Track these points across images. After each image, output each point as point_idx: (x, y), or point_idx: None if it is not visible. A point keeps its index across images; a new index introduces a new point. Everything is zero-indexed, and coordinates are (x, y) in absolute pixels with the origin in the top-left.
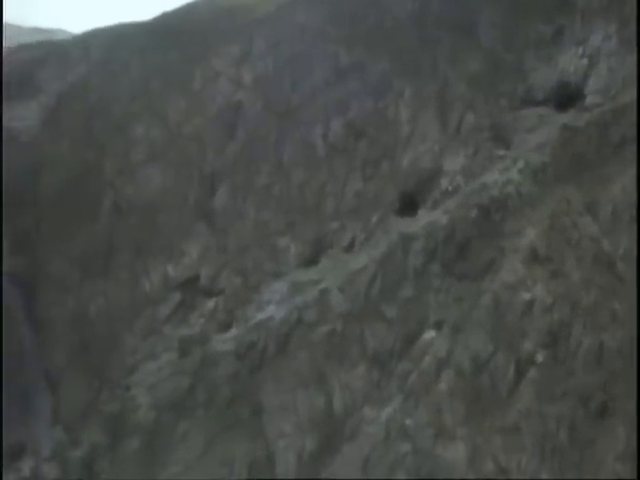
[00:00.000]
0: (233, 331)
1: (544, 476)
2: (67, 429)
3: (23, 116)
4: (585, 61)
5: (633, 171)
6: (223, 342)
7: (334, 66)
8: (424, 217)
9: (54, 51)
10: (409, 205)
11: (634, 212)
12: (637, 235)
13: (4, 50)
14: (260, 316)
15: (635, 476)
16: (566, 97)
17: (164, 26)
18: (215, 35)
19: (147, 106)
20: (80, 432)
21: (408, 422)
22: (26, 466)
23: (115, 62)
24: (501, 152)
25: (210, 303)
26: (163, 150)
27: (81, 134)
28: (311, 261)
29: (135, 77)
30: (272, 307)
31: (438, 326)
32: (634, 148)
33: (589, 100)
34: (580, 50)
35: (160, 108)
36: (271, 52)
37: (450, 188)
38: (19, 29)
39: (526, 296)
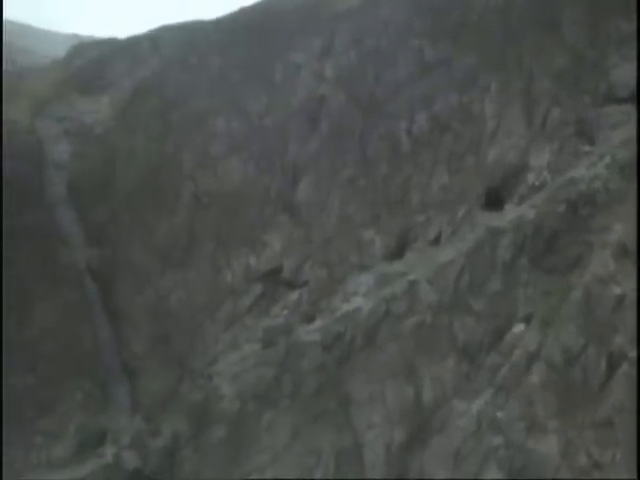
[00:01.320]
0: (318, 322)
1: None
2: (147, 419)
3: (95, 110)
4: None
5: None
6: (309, 333)
7: (419, 60)
8: (511, 212)
9: (124, 47)
10: (495, 200)
11: None
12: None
13: (76, 47)
14: (346, 307)
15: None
16: None
17: (243, 21)
18: (296, 29)
19: (227, 99)
20: (160, 421)
21: (499, 415)
22: (109, 452)
23: (193, 56)
24: (586, 148)
25: (294, 294)
26: (244, 142)
27: (158, 127)
28: (396, 254)
29: (214, 71)
30: (359, 299)
31: (527, 320)
32: None
33: None
34: None
35: (241, 101)
36: (354, 46)
37: (537, 183)
38: (54, 35)
39: (617, 290)
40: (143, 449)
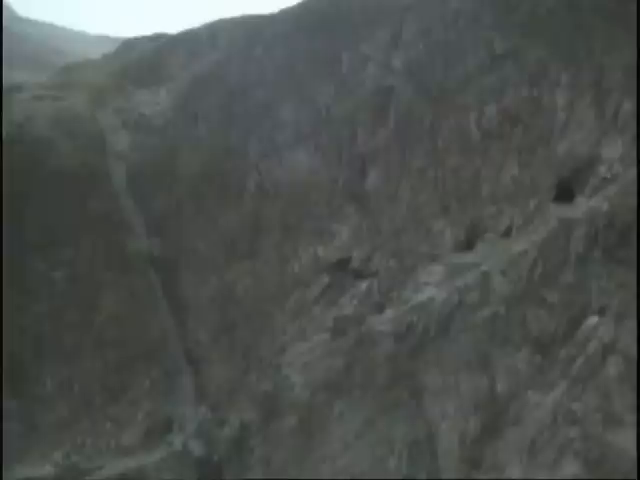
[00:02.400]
0: (389, 312)
1: None
2: (213, 408)
3: (153, 102)
4: None
5: None
6: (380, 323)
7: (489, 52)
8: (583, 204)
9: (180, 40)
10: (566, 192)
11: None
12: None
13: (126, 42)
14: (419, 298)
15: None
16: None
17: (309, 11)
18: (363, 20)
19: (294, 90)
20: (227, 411)
21: (575, 407)
22: (177, 440)
23: (257, 47)
24: None
25: (363, 285)
26: (311, 133)
27: (220, 117)
28: (466, 245)
29: (279, 61)
30: (431, 289)
31: (601, 312)
32: None
33: None
34: None
35: (307, 92)
36: (422, 37)
37: (609, 175)
38: (85, 36)
39: None
40: (209, 438)
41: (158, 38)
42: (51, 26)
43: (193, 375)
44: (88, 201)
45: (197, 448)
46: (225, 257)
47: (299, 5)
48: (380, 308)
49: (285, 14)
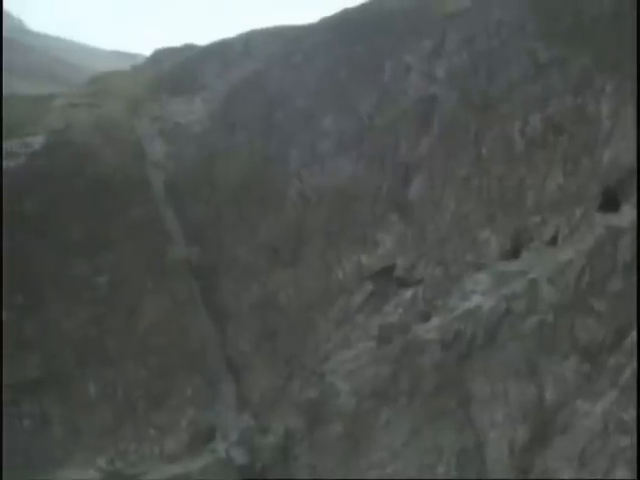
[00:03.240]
0: (435, 320)
1: None
2: (255, 416)
3: (188, 110)
4: None
5: None
6: (426, 331)
7: (533, 61)
8: (628, 212)
9: (215, 50)
10: (612, 200)
11: None
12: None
13: (156, 53)
14: (465, 306)
15: (635, 476)
16: None
17: (350, 21)
18: (405, 30)
19: (335, 98)
20: (270, 418)
21: (626, 416)
22: (221, 447)
23: (297, 55)
24: None
25: (407, 293)
26: (354, 141)
27: (260, 126)
28: (512, 253)
29: (320, 70)
30: (478, 297)
31: None
32: None
33: None
34: None
35: (349, 100)
36: (465, 47)
37: None
38: (99, 51)
39: None
40: (252, 446)
41: (187, 49)
42: (64, 41)
43: (234, 383)
44: (129, 208)
45: (240, 456)
46: (267, 265)
47: (339, 14)
48: (425, 316)
49: (325, 23)
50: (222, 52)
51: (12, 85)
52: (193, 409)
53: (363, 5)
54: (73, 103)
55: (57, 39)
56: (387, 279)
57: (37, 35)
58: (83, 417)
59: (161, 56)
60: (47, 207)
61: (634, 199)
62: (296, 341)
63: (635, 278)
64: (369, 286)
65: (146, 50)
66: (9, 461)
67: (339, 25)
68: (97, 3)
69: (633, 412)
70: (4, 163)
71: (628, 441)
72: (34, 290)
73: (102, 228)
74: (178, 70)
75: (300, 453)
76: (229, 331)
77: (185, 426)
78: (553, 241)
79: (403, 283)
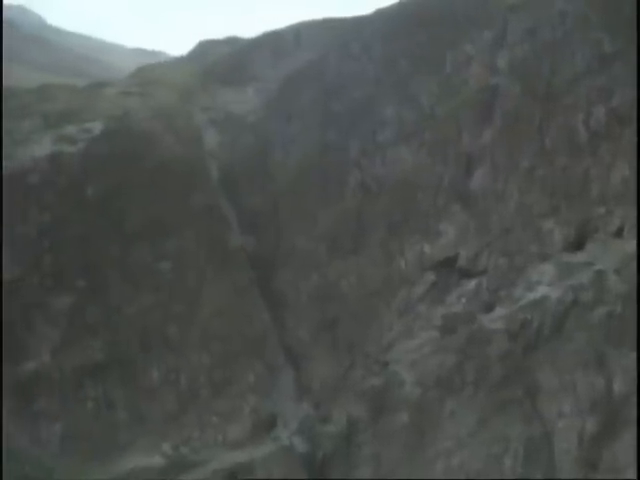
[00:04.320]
0: (500, 310)
1: None
2: (316, 404)
3: (239, 100)
4: None
5: None
6: (492, 321)
7: (597, 53)
8: None
9: (265, 40)
10: None
11: None
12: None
13: (200, 45)
14: (531, 296)
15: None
16: None
17: (409, 11)
18: (466, 20)
19: (395, 88)
20: (331, 407)
21: None
22: (284, 435)
23: (355, 46)
24: None
25: (471, 283)
26: (415, 131)
27: (317, 115)
28: (577, 245)
29: (379, 60)
30: (544, 287)
31: None
32: None
33: None
34: None
35: (410, 90)
36: (528, 38)
37: None
38: (121, 48)
39: None
40: (313, 434)
41: (230, 41)
42: (85, 37)
43: (293, 371)
44: (190, 195)
45: (300, 444)
46: (327, 254)
47: (397, 5)
48: (489, 306)
49: (382, 14)
50: (273, 43)
51: (35, 79)
52: (255, 396)
53: None
54: (125, 92)
55: (78, 36)
56: (449, 269)
57: (58, 31)
58: (147, 402)
59: (205, 48)
60: (109, 192)
61: None
62: (358, 330)
63: None
64: (431, 276)
65: (166, 48)
66: (73, 445)
67: (398, 16)
68: (115, 2)
69: None
70: (64, 147)
71: None
72: (96, 275)
73: (164, 214)
74: (227, 61)
75: (364, 442)
76: (287, 320)
77: (247, 413)
78: (619, 232)
79: (466, 273)
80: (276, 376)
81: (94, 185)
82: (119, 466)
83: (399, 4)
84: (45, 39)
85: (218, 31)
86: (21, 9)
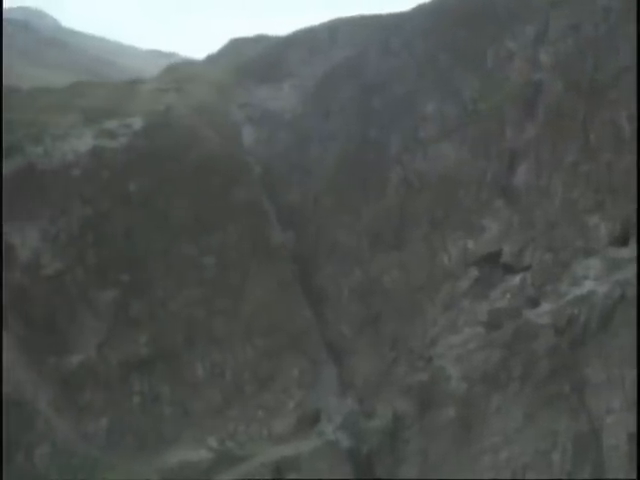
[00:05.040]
0: (546, 305)
1: None
2: (359, 399)
3: (275, 97)
4: None
5: None
6: (538, 316)
7: None
8: None
9: (300, 38)
10: None
11: None
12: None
13: (231, 43)
14: (577, 291)
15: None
16: None
17: (449, 7)
18: (508, 16)
19: (437, 83)
20: (375, 402)
21: None
22: (329, 430)
23: (395, 42)
24: None
25: (516, 278)
26: (457, 126)
27: (356, 111)
28: (622, 240)
29: (419, 56)
30: (590, 283)
31: None
32: None
33: None
34: None
35: (452, 85)
36: (571, 33)
37: None
38: (136, 50)
39: None
40: (357, 429)
41: (261, 39)
42: (99, 39)
43: (335, 367)
44: (233, 190)
45: (345, 439)
46: (369, 249)
47: (437, 1)
48: (535, 302)
49: (422, 10)
50: (308, 40)
51: (49, 79)
52: (299, 391)
53: None
54: (162, 89)
55: (93, 38)
56: (493, 265)
57: (73, 33)
58: (191, 397)
59: (236, 46)
60: (152, 187)
61: None
62: (401, 325)
63: None
64: (474, 271)
65: (177, 49)
66: (119, 439)
67: (439, 11)
68: (126, 4)
69: None
70: (106, 142)
71: None
72: (141, 269)
73: (207, 209)
74: (262, 58)
75: (410, 437)
76: (328, 315)
77: (292, 408)
78: None
79: (510, 269)
80: (319, 371)
81: (137, 180)
82: (165, 460)
83: (440, 1)
84: (61, 41)
85: (226, 33)
86: (37, 12)
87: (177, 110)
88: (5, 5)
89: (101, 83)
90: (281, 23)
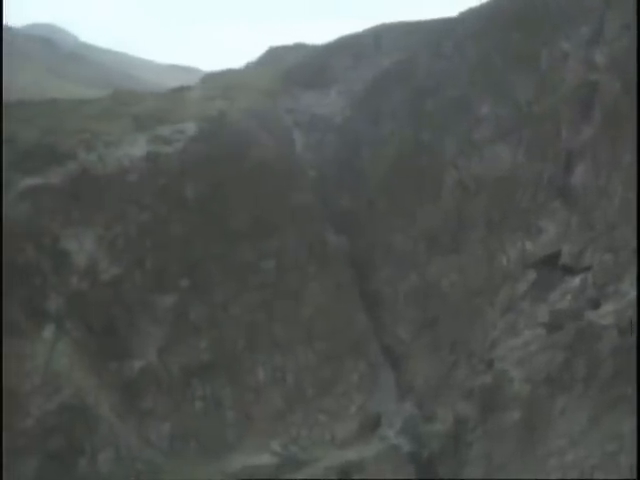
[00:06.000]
0: (608, 306)
1: None
2: (419, 404)
3: (322, 102)
4: None
5: None
6: (601, 317)
7: None
8: None
9: (344, 44)
10: None
11: None
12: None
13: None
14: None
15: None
16: None
17: (502, 10)
18: (561, 16)
19: (491, 86)
20: (435, 406)
21: None
22: (391, 434)
23: (446, 45)
24: None
25: (575, 279)
26: (513, 128)
27: (408, 114)
28: None
29: (472, 58)
30: None
31: None
32: None
33: None
34: None
35: (506, 88)
36: (627, 33)
37: None
38: (153, 64)
39: None
40: (418, 434)
41: (299, 47)
42: (117, 54)
43: (393, 371)
44: (290, 193)
45: (405, 443)
46: (426, 252)
47: (490, 3)
48: (596, 303)
49: (474, 13)
50: (353, 46)
51: (78, 92)
52: (360, 395)
53: None
54: (209, 95)
55: (110, 52)
56: (551, 266)
57: (90, 48)
58: (253, 401)
59: (276, 54)
60: (209, 192)
61: None
62: (460, 328)
63: None
64: (533, 273)
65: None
66: (182, 445)
67: (490, 14)
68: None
69: None
70: (160, 147)
71: None
72: (200, 274)
73: (265, 213)
74: (305, 65)
75: (474, 440)
76: (385, 319)
77: (354, 412)
78: None
79: (569, 270)
80: (377, 375)
81: (193, 184)
82: (229, 465)
83: (492, 2)
84: (81, 56)
85: (231, 43)
86: (54, 28)
87: (230, 115)
88: (22, 22)
89: (143, 92)
90: (281, 31)
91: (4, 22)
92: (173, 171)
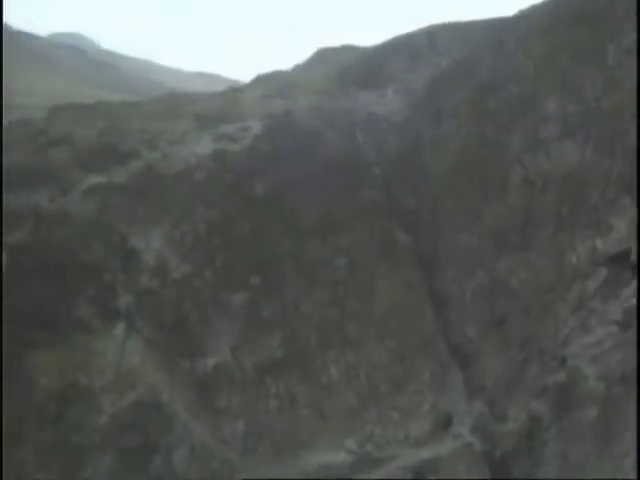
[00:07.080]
0: None
1: None
2: (490, 402)
3: (379, 102)
4: None
5: None
6: None
7: None
8: None
9: (400, 44)
10: None
11: None
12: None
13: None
14: None
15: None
16: None
17: (566, 5)
18: (625, 12)
19: (557, 82)
20: (507, 405)
21: None
22: (465, 433)
23: (509, 42)
24: None
25: None
26: (580, 125)
27: (471, 113)
28: None
29: (536, 55)
30: None
31: None
32: None
33: None
34: None
35: (572, 84)
36: None
37: None
38: (178, 71)
39: None
40: (489, 432)
41: (347, 48)
42: (141, 60)
43: (462, 369)
44: (359, 190)
45: (477, 443)
46: (494, 250)
47: (552, 1)
48: None
49: (538, 10)
50: (408, 46)
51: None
52: (431, 394)
53: None
54: (267, 95)
55: (133, 59)
56: (622, 263)
57: (113, 55)
58: (327, 399)
59: (325, 56)
60: (278, 188)
61: None
62: (530, 326)
63: None
64: (604, 271)
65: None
66: (256, 443)
67: (555, 11)
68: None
69: None
70: (226, 145)
71: None
72: (271, 271)
73: (335, 210)
74: (359, 65)
75: (548, 439)
76: (453, 318)
77: (427, 410)
78: None
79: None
80: (446, 374)
81: (261, 182)
82: (304, 463)
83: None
84: (107, 63)
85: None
86: (77, 35)
87: (295, 113)
88: (46, 30)
89: (197, 93)
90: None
91: (30, 30)
92: (240, 169)
